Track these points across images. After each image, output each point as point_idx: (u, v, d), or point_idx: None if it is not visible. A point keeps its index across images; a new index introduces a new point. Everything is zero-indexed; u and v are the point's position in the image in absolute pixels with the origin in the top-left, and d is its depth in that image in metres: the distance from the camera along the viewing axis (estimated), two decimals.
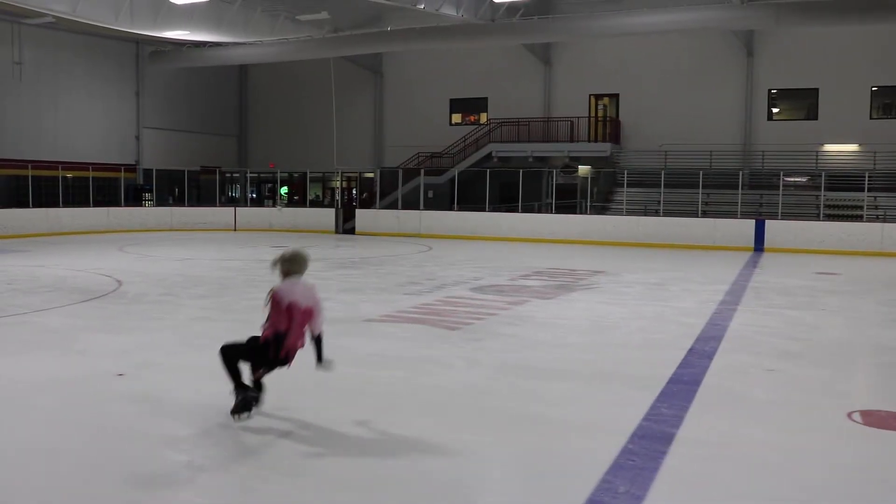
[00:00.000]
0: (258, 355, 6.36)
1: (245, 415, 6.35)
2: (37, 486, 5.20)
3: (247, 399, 6.39)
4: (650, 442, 6.08)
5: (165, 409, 6.71)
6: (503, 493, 5.34)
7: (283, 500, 5.02)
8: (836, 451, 6.06)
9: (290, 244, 24.85)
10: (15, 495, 5.01)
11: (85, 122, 31.54)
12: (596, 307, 12.88)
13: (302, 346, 6.48)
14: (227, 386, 6.45)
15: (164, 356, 8.86)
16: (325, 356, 6.53)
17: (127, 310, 12.08)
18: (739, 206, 26.64)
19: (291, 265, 6.49)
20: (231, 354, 6.45)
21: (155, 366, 8.34)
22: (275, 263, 6.53)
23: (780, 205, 26.33)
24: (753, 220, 25.44)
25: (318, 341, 6.51)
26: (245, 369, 6.51)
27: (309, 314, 6.39)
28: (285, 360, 6.40)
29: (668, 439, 6.15)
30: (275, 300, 6.28)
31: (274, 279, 6.59)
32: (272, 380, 6.74)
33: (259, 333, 6.42)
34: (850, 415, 6.88)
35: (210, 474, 5.60)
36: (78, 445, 5.99)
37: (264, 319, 6.41)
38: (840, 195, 27.30)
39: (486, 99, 34.52)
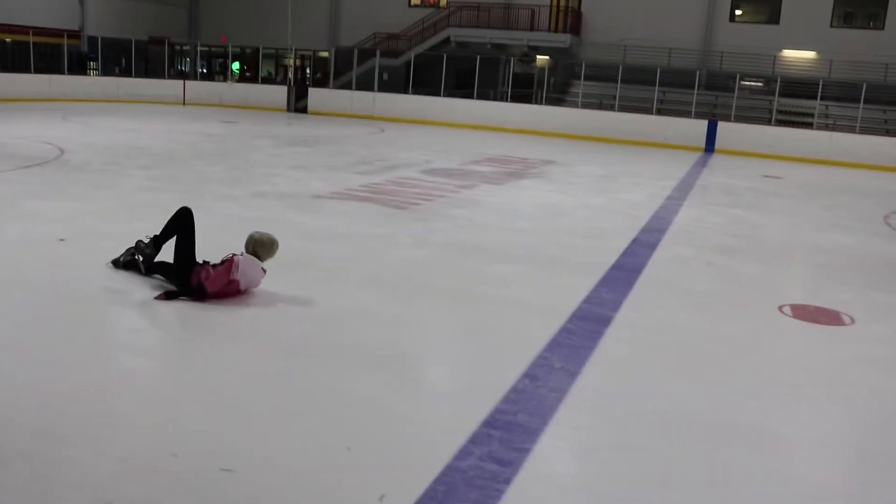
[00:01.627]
0: (180, 278, 6.20)
1: (139, 258, 6.47)
2: None
3: (153, 257, 6.48)
4: (588, 323, 6.24)
5: (108, 274, 6.66)
6: (443, 364, 5.48)
7: (222, 362, 5.07)
8: (765, 341, 6.30)
9: (241, 120, 24.42)
10: None
11: None
12: (545, 195, 12.97)
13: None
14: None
15: (108, 224, 8.72)
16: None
17: (69, 177, 11.83)
18: (694, 107, 26.69)
19: (261, 250, 6.38)
20: (179, 226, 6.35)
21: (98, 232, 8.23)
22: (249, 240, 6.42)
23: (733, 107, 26.44)
24: (706, 121, 25.55)
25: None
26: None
27: (240, 293, 6.29)
28: (192, 294, 6.19)
29: (605, 321, 6.32)
30: (227, 266, 6.14)
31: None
32: (218, 249, 6.71)
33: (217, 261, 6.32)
34: (780, 308, 7.13)
35: (150, 337, 5.62)
36: (19, 306, 5.95)
37: (213, 265, 6.25)
38: (793, 102, 27.48)
39: None
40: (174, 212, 6.51)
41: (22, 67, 28.29)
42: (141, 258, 6.43)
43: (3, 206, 9.41)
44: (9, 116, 21.21)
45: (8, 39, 28.58)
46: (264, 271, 6.41)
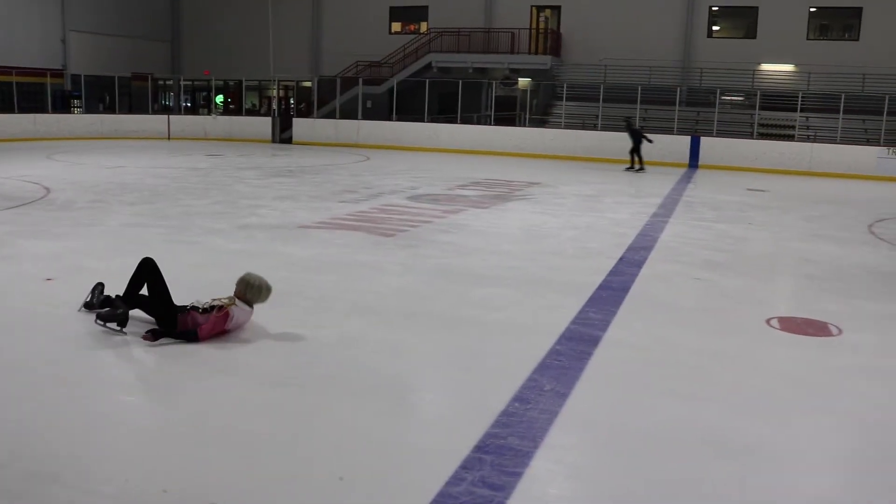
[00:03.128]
0: (166, 323, 6.11)
1: (113, 325, 6.18)
2: None
3: (126, 316, 6.21)
4: (577, 343, 6.26)
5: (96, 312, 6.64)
6: (433, 389, 5.48)
7: (211, 396, 5.07)
8: (753, 354, 6.32)
9: (226, 152, 24.43)
10: None
11: (6, 24, 30.01)
12: (530, 217, 13.02)
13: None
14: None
15: (95, 261, 8.71)
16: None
17: (56, 216, 11.81)
18: (676, 123, 26.89)
19: (253, 295, 6.36)
20: (148, 275, 6.29)
21: (85, 270, 8.20)
22: (241, 283, 6.38)
23: (715, 122, 26.65)
24: (689, 137, 25.73)
25: None
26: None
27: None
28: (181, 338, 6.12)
29: (594, 341, 6.34)
30: (222, 318, 6.08)
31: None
32: (206, 283, 6.71)
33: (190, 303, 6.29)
34: (768, 321, 7.17)
35: (141, 373, 5.61)
36: (7, 347, 5.93)
37: (202, 310, 6.19)
38: (774, 115, 27.73)
39: (426, 7, 33.90)
40: (136, 265, 6.39)
41: (6, 108, 28.26)
42: (116, 323, 6.17)
43: None
44: None
45: None
46: (251, 313, 6.40)
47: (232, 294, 6.35)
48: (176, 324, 6.08)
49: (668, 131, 26.64)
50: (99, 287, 6.75)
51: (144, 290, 6.35)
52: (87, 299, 6.72)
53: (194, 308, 6.20)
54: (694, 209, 14.86)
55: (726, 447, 4.52)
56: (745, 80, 29.51)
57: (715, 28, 31.12)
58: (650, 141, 23.15)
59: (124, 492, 3.80)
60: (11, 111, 28.14)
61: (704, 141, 25.41)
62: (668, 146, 25.54)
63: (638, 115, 27.55)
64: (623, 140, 25.02)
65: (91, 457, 4.18)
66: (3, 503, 3.69)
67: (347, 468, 4.09)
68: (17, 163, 19.79)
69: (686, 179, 20.96)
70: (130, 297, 6.31)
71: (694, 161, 25.20)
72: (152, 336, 5.96)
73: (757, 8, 29.94)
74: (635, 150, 23.09)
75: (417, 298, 7.66)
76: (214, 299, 6.28)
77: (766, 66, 29.86)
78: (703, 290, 8.42)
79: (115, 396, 5.12)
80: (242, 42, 36.09)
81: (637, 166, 23.02)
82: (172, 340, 5.98)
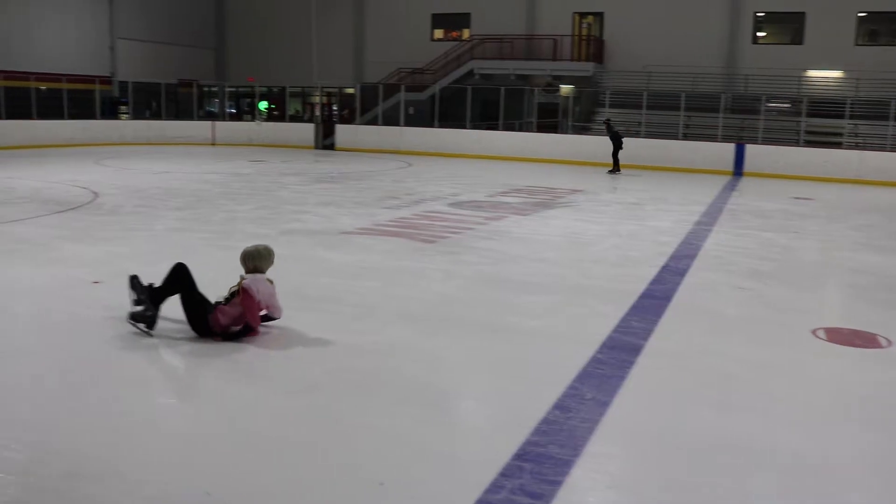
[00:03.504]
0: (196, 329, 6.22)
1: (142, 326, 6.27)
2: (12, 384, 5.29)
3: (155, 318, 6.29)
4: (618, 352, 6.21)
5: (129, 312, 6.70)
6: (473, 397, 5.47)
7: (255, 401, 5.10)
8: (799, 365, 6.22)
9: (269, 158, 24.69)
10: None
11: (57, 32, 30.61)
12: (573, 224, 12.96)
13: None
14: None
15: (140, 265, 8.81)
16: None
17: (103, 220, 12.02)
18: (720, 130, 26.60)
19: (259, 262, 6.41)
20: (179, 283, 6.33)
21: (131, 274, 8.32)
22: (241, 259, 6.44)
23: (760, 129, 26.31)
24: (733, 144, 25.43)
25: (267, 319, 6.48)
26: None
27: (263, 312, 6.35)
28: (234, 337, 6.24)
29: (636, 350, 6.28)
30: (248, 294, 6.15)
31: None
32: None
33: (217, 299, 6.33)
34: (814, 332, 7.04)
35: (180, 377, 5.67)
36: (53, 348, 6.05)
37: (225, 301, 6.26)
38: (821, 122, 27.29)
39: (468, 15, 33.95)
40: (170, 269, 6.45)
41: (56, 114, 28.88)
42: (145, 325, 6.27)
43: (40, 250, 9.59)
44: (45, 162, 21.66)
45: (42, 87, 29.22)
46: (271, 282, 6.43)
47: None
48: (207, 327, 6.16)
49: (713, 138, 26.36)
50: (135, 283, 6.60)
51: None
52: (134, 298, 6.63)
53: (218, 303, 6.27)
54: (738, 217, 14.68)
55: (770, 460, 4.44)
56: (792, 86, 29.10)
57: (760, 34, 30.75)
58: (620, 147, 23.63)
59: (164, 493, 3.84)
60: (61, 117, 28.74)
61: (749, 148, 25.10)
62: (711, 154, 25.30)
63: (681, 122, 27.33)
64: (666, 148, 24.88)
65: (131, 458, 4.23)
66: (45, 502, 3.75)
67: (387, 474, 4.10)
68: (66, 168, 20.19)
69: (730, 187, 20.72)
70: (162, 300, 6.38)
71: (738, 169, 24.90)
72: (221, 338, 6.12)
73: (804, 13, 29.52)
74: (615, 153, 23.75)
75: (458, 305, 7.65)
76: (230, 288, 6.34)
77: (812, 73, 29.42)
78: (748, 300, 8.30)
79: (156, 399, 5.19)
80: (286, 49, 36.45)
81: (614, 168, 23.66)
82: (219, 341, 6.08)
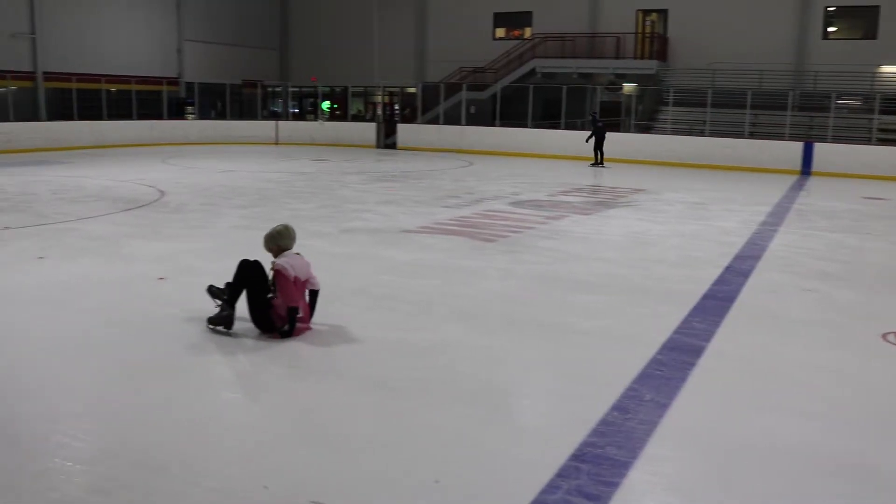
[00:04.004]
0: (264, 327, 6.34)
1: (221, 328, 6.38)
2: (82, 377, 5.44)
3: (231, 318, 6.39)
4: (679, 354, 6.13)
5: (204, 312, 6.76)
6: (531, 396, 5.44)
7: (315, 397, 5.17)
8: (867, 371, 6.05)
9: (331, 157, 24.95)
10: (66, 382, 5.27)
11: (127, 35, 31.37)
12: (634, 224, 12.82)
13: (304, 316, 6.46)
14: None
15: (204, 262, 9.03)
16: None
17: (169, 218, 12.28)
18: (788, 128, 26.04)
19: (283, 241, 6.47)
20: (248, 279, 6.41)
21: (195, 271, 8.50)
22: (265, 243, 6.51)
23: (830, 127, 25.67)
24: (801, 143, 24.85)
25: (314, 297, 6.55)
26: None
27: (306, 284, 6.44)
28: (290, 332, 6.31)
29: (697, 352, 6.19)
30: (281, 275, 6.23)
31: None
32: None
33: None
34: (884, 336, 6.84)
35: (244, 372, 5.76)
36: (121, 343, 6.19)
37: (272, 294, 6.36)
38: (894, 119, 26.48)
39: (530, 13, 33.81)
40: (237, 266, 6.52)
41: (125, 114, 29.67)
42: (224, 326, 6.39)
43: (109, 247, 9.85)
44: (114, 161, 22.23)
45: (112, 89, 30.02)
46: (299, 255, 6.50)
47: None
48: (270, 322, 6.26)
49: (780, 137, 25.81)
50: (213, 290, 6.65)
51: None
52: (218, 304, 6.63)
53: (269, 297, 6.35)
54: (806, 218, 14.36)
55: (834, 466, 4.34)
56: (864, 83, 28.30)
57: (831, 29, 29.97)
58: (603, 139, 24.52)
59: (227, 486, 3.92)
60: (130, 118, 29.50)
61: (818, 147, 24.50)
62: (779, 152, 24.76)
63: (747, 121, 26.81)
64: (731, 147, 24.45)
65: (196, 451, 4.32)
66: (113, 491, 3.85)
67: (444, 472, 4.11)
68: (134, 167, 20.70)
69: (798, 187, 20.27)
70: (234, 299, 6.47)
71: (807, 168, 24.32)
72: (280, 335, 6.24)
73: (878, 7, 28.67)
74: (598, 146, 24.47)
75: (517, 304, 7.63)
76: (270, 281, 6.40)
77: (887, 69, 28.56)
78: (814, 302, 8.11)
79: (220, 394, 5.29)
80: (348, 49, 36.75)
81: (596, 161, 24.50)
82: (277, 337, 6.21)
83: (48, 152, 24.88)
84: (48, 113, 28.21)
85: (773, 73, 28.99)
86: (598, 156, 24.51)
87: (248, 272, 6.41)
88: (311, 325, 6.47)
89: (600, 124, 24.63)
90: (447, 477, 4.06)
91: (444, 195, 15.97)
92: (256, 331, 6.34)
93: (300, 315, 6.29)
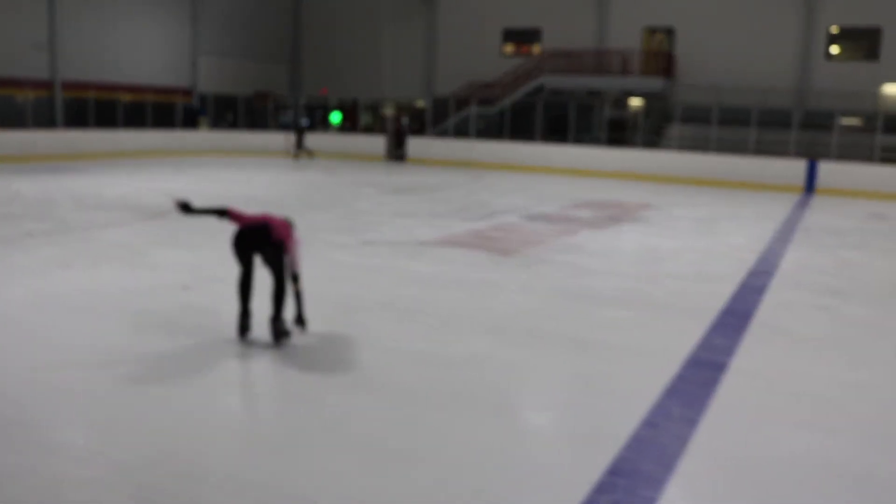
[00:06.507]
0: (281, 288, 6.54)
1: (283, 339, 6.51)
2: (114, 388, 5.56)
3: (286, 329, 6.53)
4: (703, 370, 6.27)
5: (229, 320, 6.87)
6: (560, 410, 5.58)
7: (351, 408, 5.28)
8: (889, 386, 6.19)
9: (343, 168, 25.08)
10: (95, 390, 5.39)
11: (143, 46, 31.61)
12: (646, 239, 12.99)
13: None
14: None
15: (228, 271, 9.14)
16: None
17: (188, 227, 12.40)
18: (792, 146, 26.24)
19: None
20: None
21: (218, 280, 8.59)
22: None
23: (833, 146, 25.88)
24: (805, 161, 25.05)
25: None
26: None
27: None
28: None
29: (720, 368, 6.34)
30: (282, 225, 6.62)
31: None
32: (335, 298, 7.00)
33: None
34: None
35: (281, 383, 5.89)
36: (154, 352, 6.31)
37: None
38: None
39: (539, 30, 34.06)
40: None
41: (140, 124, 29.99)
42: (285, 336, 6.52)
43: (132, 255, 9.99)
44: (131, 170, 22.41)
45: (128, 99, 30.32)
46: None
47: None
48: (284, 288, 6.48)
49: (784, 155, 26.02)
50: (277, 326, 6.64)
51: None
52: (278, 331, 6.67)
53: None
54: (814, 235, 14.53)
55: (864, 483, 4.47)
56: (866, 102, 28.54)
57: (833, 50, 30.23)
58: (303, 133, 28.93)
59: (268, 496, 4.03)
60: (145, 127, 29.83)
61: (822, 165, 24.70)
62: (783, 170, 24.95)
63: (752, 138, 27.02)
64: (736, 164, 24.69)
65: (237, 461, 4.43)
66: (156, 500, 3.96)
67: (480, 485, 4.22)
68: (150, 175, 20.88)
69: (802, 204, 20.46)
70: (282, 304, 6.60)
71: (810, 186, 24.51)
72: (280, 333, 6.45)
73: (880, 29, 28.95)
74: (299, 143, 28.56)
75: (540, 318, 7.78)
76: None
77: (889, 88, 28.81)
78: (830, 318, 8.27)
79: (251, 404, 5.43)
80: (359, 62, 37.00)
81: (297, 154, 28.75)
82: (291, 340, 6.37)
83: (65, 160, 25.07)
84: (65, 121, 28.49)
85: (777, 92, 29.23)
86: (297, 151, 28.69)
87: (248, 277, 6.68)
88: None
89: (298, 122, 29.56)
90: (484, 490, 4.17)
91: (457, 208, 16.14)
92: (287, 341, 6.45)
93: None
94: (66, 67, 28.50)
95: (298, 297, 6.69)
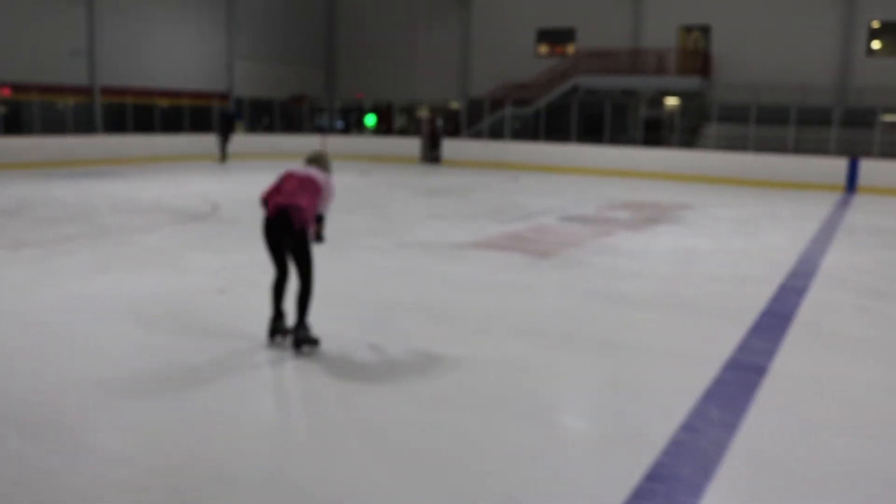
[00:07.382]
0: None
1: (308, 347, 6.42)
2: (149, 390, 5.59)
3: (314, 339, 6.45)
4: (743, 373, 6.16)
5: (264, 324, 6.77)
6: (597, 414, 5.50)
7: (382, 411, 5.24)
8: None
9: (378, 171, 25.17)
10: (131, 391, 5.42)
11: (179, 52, 31.98)
12: (683, 240, 12.83)
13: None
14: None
15: (261, 274, 9.16)
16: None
17: (224, 230, 12.53)
18: (832, 145, 25.83)
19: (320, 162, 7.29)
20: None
21: (253, 284, 8.59)
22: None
23: (875, 144, 25.42)
24: (846, 160, 24.64)
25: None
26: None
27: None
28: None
29: (760, 371, 6.22)
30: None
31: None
32: (369, 300, 6.97)
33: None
34: None
35: (310, 387, 5.87)
36: (186, 354, 6.33)
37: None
38: None
39: (573, 30, 33.89)
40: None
41: (176, 128, 30.35)
42: (310, 344, 6.43)
43: (167, 259, 10.07)
44: (166, 174, 22.64)
45: (165, 104, 30.69)
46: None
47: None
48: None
49: (824, 153, 25.61)
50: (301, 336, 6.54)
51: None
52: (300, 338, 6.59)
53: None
54: (856, 235, 14.27)
55: None
56: None
57: (875, 46, 29.71)
58: (229, 134, 27.90)
59: (301, 499, 4.02)
60: (181, 132, 30.18)
61: (864, 163, 24.27)
62: (823, 169, 24.56)
63: (791, 137, 26.65)
64: (775, 163, 24.35)
65: (269, 465, 4.43)
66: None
67: (515, 490, 4.17)
68: (185, 179, 21.09)
69: (843, 204, 20.11)
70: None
71: (852, 184, 24.11)
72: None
73: None
74: (223, 144, 27.69)
75: (576, 321, 7.71)
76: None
77: None
78: (873, 320, 8.09)
79: (285, 408, 5.42)
80: (394, 65, 37.10)
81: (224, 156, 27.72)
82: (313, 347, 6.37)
83: (104, 165, 25.42)
84: (104, 127, 28.92)
85: (817, 90, 28.79)
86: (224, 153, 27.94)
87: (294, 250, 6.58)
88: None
89: (229, 118, 28.45)
90: (519, 496, 4.11)
91: (492, 210, 16.09)
92: (320, 347, 6.43)
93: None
94: (104, 73, 28.93)
95: (303, 296, 6.42)
